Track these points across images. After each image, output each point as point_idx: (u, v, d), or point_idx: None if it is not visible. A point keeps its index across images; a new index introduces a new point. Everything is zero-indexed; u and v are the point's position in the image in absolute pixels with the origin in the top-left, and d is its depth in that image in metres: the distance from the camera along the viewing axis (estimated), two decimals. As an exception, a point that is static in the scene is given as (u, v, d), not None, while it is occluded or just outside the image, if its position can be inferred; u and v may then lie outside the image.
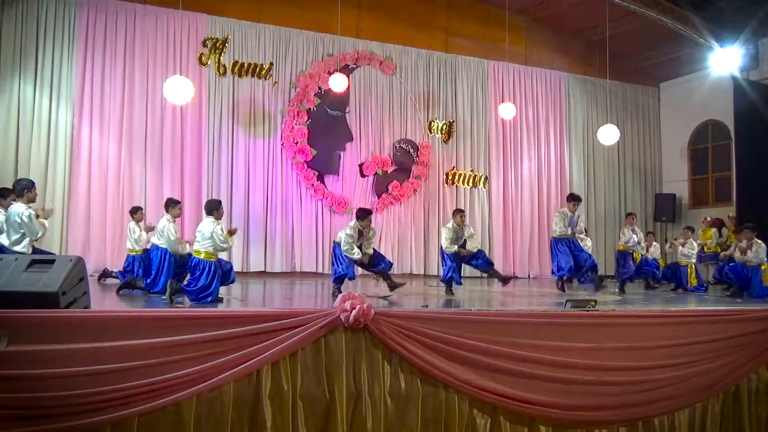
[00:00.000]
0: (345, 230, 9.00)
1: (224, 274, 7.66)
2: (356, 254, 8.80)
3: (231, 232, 7.87)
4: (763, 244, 10.32)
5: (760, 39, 14.76)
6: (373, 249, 9.26)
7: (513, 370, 5.01)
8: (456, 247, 9.50)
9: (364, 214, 9.07)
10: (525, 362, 5.07)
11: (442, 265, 9.88)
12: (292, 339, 4.45)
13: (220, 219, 7.82)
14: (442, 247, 9.72)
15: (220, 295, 7.66)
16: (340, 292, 8.19)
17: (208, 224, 7.61)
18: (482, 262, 9.74)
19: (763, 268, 10.22)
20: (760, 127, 13.67)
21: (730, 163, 15.63)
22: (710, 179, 16.63)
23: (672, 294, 11.24)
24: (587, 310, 6.12)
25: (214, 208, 7.82)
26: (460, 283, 9.66)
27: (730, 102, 14.40)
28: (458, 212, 9.86)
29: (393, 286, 9.05)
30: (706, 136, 16.76)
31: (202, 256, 7.52)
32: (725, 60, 14.33)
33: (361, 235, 8.98)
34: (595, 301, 6.62)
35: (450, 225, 9.71)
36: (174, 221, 8.63)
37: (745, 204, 13.88)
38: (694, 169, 17.11)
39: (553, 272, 10.69)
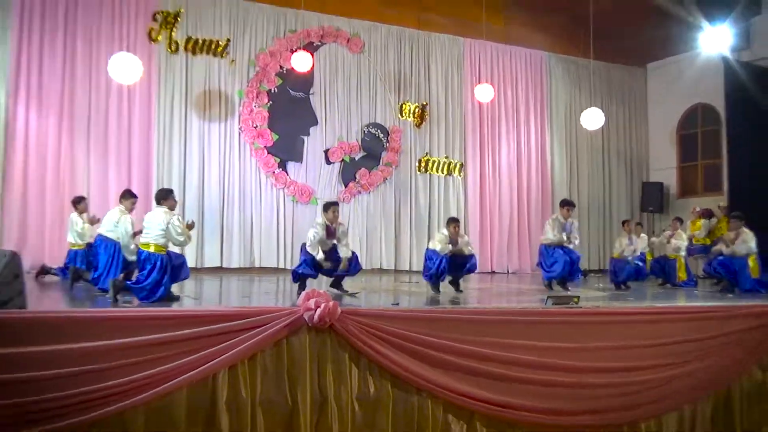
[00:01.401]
0: (312, 226, 8.96)
1: (176, 269, 7.57)
2: (319, 255, 8.75)
3: (189, 227, 7.80)
4: (751, 233, 10.48)
5: (752, 17, 14.95)
6: (353, 252, 9.15)
7: (490, 372, 5.04)
8: (450, 247, 9.46)
9: (327, 206, 9.05)
10: (503, 364, 5.10)
11: (427, 261, 9.69)
12: (250, 340, 4.42)
13: (173, 209, 7.73)
14: (428, 249, 9.72)
15: (172, 293, 7.58)
16: (304, 288, 8.16)
17: (159, 215, 7.52)
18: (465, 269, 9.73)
19: (751, 259, 10.38)
20: (752, 111, 13.86)
21: (720, 150, 15.85)
22: (699, 167, 16.86)
23: (659, 289, 11.38)
24: (570, 308, 6.17)
25: (163, 197, 7.73)
26: (444, 278, 9.57)
27: (720, 84, 14.58)
28: (453, 222, 9.72)
29: (340, 292, 8.88)
30: (696, 121, 16.98)
31: (151, 249, 7.41)
32: (715, 39, 14.48)
33: (330, 234, 8.91)
34: (578, 298, 6.69)
35: (444, 232, 9.64)
36: (128, 214, 8.53)
37: (736, 193, 14.07)
38: (682, 156, 17.33)
39: (540, 266, 10.65)
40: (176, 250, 8.03)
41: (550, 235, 10.39)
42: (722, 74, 14.47)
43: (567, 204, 10.64)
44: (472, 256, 9.68)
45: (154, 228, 7.46)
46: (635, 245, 11.69)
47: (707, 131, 16.63)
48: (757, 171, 13.79)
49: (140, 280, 7.37)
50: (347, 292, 8.87)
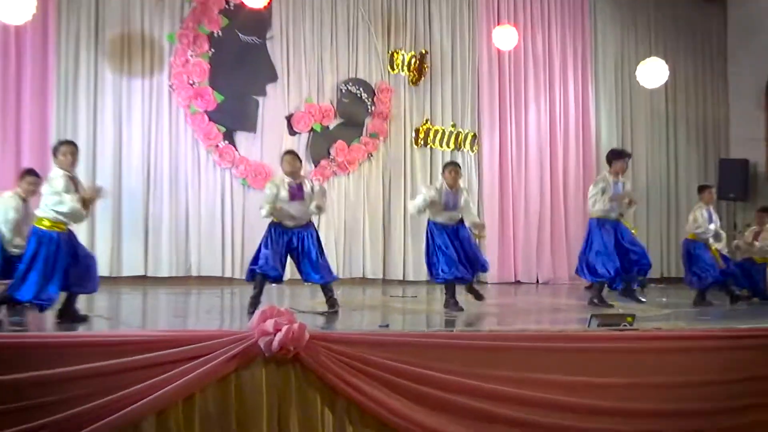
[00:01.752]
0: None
1: (80, 270, 7.47)
2: (264, 212, 8.70)
3: (95, 192, 7.73)
4: None
5: None
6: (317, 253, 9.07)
7: (511, 417, 5.07)
8: (436, 195, 9.29)
9: (282, 160, 9.09)
10: (528, 406, 5.13)
11: (431, 261, 9.63)
12: (186, 376, 4.44)
13: (70, 167, 7.60)
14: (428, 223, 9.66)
15: (77, 310, 7.55)
16: (259, 303, 8.15)
17: (52, 174, 7.49)
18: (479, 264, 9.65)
19: None
20: None
21: (825, 115, 15.94)
22: (798, 139, 16.95)
23: (743, 304, 11.38)
24: (621, 330, 6.22)
25: (53, 150, 7.66)
26: (471, 279, 9.56)
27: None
28: (451, 166, 9.71)
29: (332, 305, 8.88)
30: (793, 76, 17.06)
31: (44, 225, 7.36)
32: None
33: (294, 194, 8.82)
34: (633, 317, 6.73)
35: (438, 184, 9.56)
36: (22, 199, 8.44)
37: None
38: (774, 125, 17.41)
39: (580, 271, 10.46)
40: (82, 239, 7.94)
41: (594, 203, 10.02)
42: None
43: (622, 155, 10.35)
44: (475, 248, 9.65)
45: (44, 195, 7.43)
46: (716, 222, 11.35)
47: (808, 91, 16.75)
48: None
49: (22, 268, 7.21)
50: (322, 310, 8.86)
